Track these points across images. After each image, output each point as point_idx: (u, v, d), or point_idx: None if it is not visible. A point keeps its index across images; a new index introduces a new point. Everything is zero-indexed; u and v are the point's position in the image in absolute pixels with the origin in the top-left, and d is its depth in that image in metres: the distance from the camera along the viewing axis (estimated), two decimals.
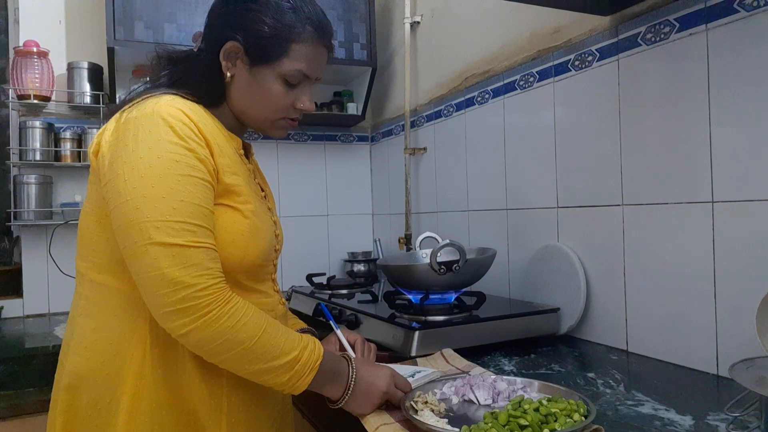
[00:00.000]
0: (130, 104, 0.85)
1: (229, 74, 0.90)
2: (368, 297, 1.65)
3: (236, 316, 0.77)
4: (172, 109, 0.81)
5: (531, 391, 0.93)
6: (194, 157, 0.80)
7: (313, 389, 0.85)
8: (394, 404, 0.89)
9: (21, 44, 1.96)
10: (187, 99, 0.87)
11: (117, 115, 0.85)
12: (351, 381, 0.87)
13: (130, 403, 0.81)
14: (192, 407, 0.84)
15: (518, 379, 0.96)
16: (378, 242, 2.33)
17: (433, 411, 0.86)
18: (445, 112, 1.98)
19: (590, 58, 1.33)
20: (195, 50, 0.94)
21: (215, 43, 0.90)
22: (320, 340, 0.92)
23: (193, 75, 0.91)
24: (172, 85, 0.91)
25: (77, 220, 2.10)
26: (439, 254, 1.28)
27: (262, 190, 1.02)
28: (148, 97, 0.84)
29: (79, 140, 2.03)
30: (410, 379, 0.96)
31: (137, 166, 0.77)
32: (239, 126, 0.97)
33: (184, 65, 0.93)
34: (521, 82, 1.57)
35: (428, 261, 1.29)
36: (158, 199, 0.76)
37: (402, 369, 1.02)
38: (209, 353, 0.78)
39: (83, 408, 0.84)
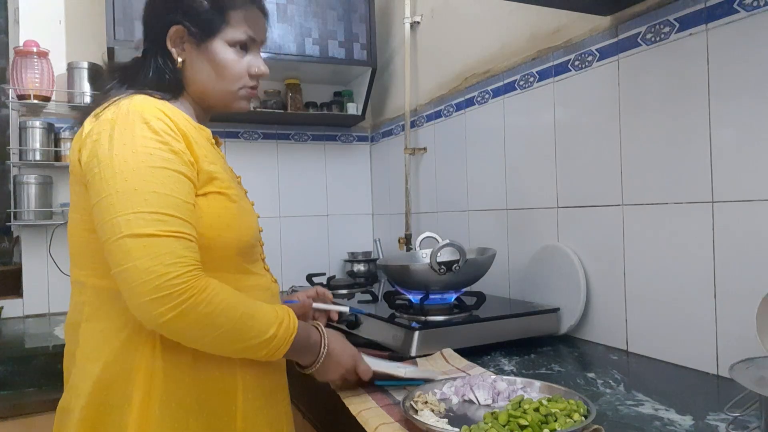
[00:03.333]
0: (103, 106, 0.86)
1: (180, 60, 0.93)
2: (368, 297, 1.65)
3: (214, 302, 0.77)
4: (147, 107, 0.83)
5: (531, 391, 0.93)
6: (168, 149, 0.81)
7: (286, 357, 0.89)
8: (346, 381, 0.97)
9: (21, 44, 1.96)
10: (155, 97, 0.88)
11: (91, 117, 0.86)
12: (321, 355, 0.91)
13: (142, 399, 0.81)
14: (206, 399, 0.85)
15: (518, 379, 0.96)
16: (378, 242, 2.33)
17: (433, 411, 0.86)
18: (445, 112, 1.98)
19: (590, 58, 1.33)
20: (140, 55, 0.96)
21: (159, 34, 0.93)
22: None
23: (147, 75, 0.93)
24: (132, 87, 0.92)
25: None
26: (439, 254, 1.28)
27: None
28: (120, 98, 0.86)
29: None
30: (409, 367, 1.01)
31: (112, 163, 0.78)
32: (203, 114, 1.00)
33: (136, 70, 0.95)
34: (521, 82, 1.57)
35: (428, 261, 1.29)
36: (130, 192, 0.77)
37: (396, 368, 1.04)
38: (189, 340, 0.80)
39: (95, 409, 0.83)
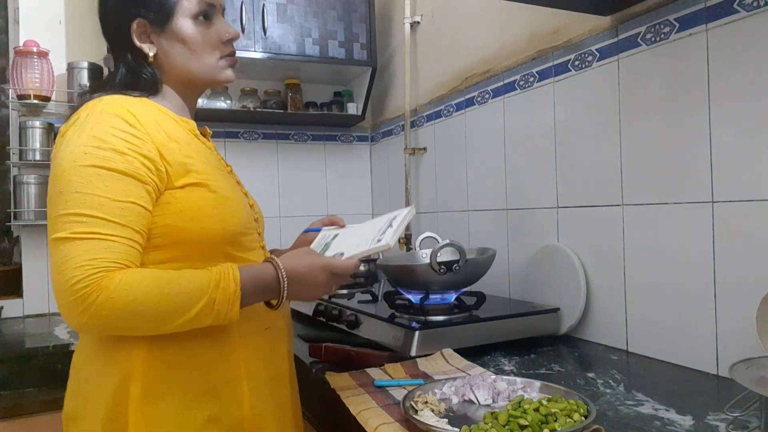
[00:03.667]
0: (78, 110, 0.85)
1: (151, 54, 0.91)
2: (368, 297, 1.64)
3: (124, 295, 0.74)
4: (110, 105, 0.82)
5: (531, 391, 0.93)
6: (109, 148, 0.79)
7: (247, 305, 0.84)
8: (337, 289, 0.95)
9: (21, 44, 1.96)
10: (132, 96, 0.88)
11: (67, 122, 0.86)
12: (283, 290, 0.86)
13: (141, 393, 0.81)
14: (210, 389, 0.85)
15: (518, 379, 0.96)
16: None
17: (433, 411, 0.86)
18: (445, 112, 1.98)
19: (590, 58, 1.33)
20: (112, 68, 0.95)
21: (122, 36, 0.91)
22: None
23: (121, 77, 0.92)
24: (108, 90, 0.90)
25: None
26: (439, 254, 1.28)
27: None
28: (92, 99, 0.85)
29: None
30: (389, 231, 0.92)
31: (53, 167, 0.80)
32: (189, 102, 0.98)
33: (108, 79, 0.94)
34: (521, 82, 1.57)
35: (428, 261, 1.29)
36: (56, 195, 0.77)
37: (374, 222, 0.99)
38: (117, 333, 0.80)
39: (102, 410, 0.82)
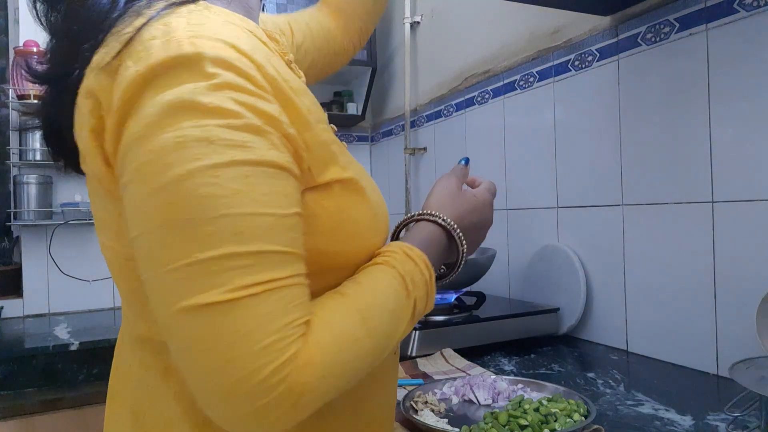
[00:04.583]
0: (113, 47, 0.46)
1: None
2: None
3: (336, 362, 0.48)
4: (198, 35, 0.45)
5: (531, 391, 0.93)
6: (243, 125, 0.44)
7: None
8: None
9: (21, 44, 1.96)
10: (197, 9, 0.49)
11: (95, 73, 0.47)
12: (461, 242, 0.67)
13: None
14: None
15: (518, 379, 0.96)
16: None
17: (433, 411, 0.86)
18: (445, 112, 1.98)
19: (590, 58, 1.33)
20: None
21: None
22: None
23: None
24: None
25: (77, 220, 2.10)
26: None
27: None
28: (144, 25, 0.46)
29: None
30: None
31: (144, 169, 0.43)
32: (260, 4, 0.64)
33: None
34: (521, 82, 1.57)
35: None
36: (180, 225, 0.43)
37: None
38: (338, 395, 0.51)
39: None
